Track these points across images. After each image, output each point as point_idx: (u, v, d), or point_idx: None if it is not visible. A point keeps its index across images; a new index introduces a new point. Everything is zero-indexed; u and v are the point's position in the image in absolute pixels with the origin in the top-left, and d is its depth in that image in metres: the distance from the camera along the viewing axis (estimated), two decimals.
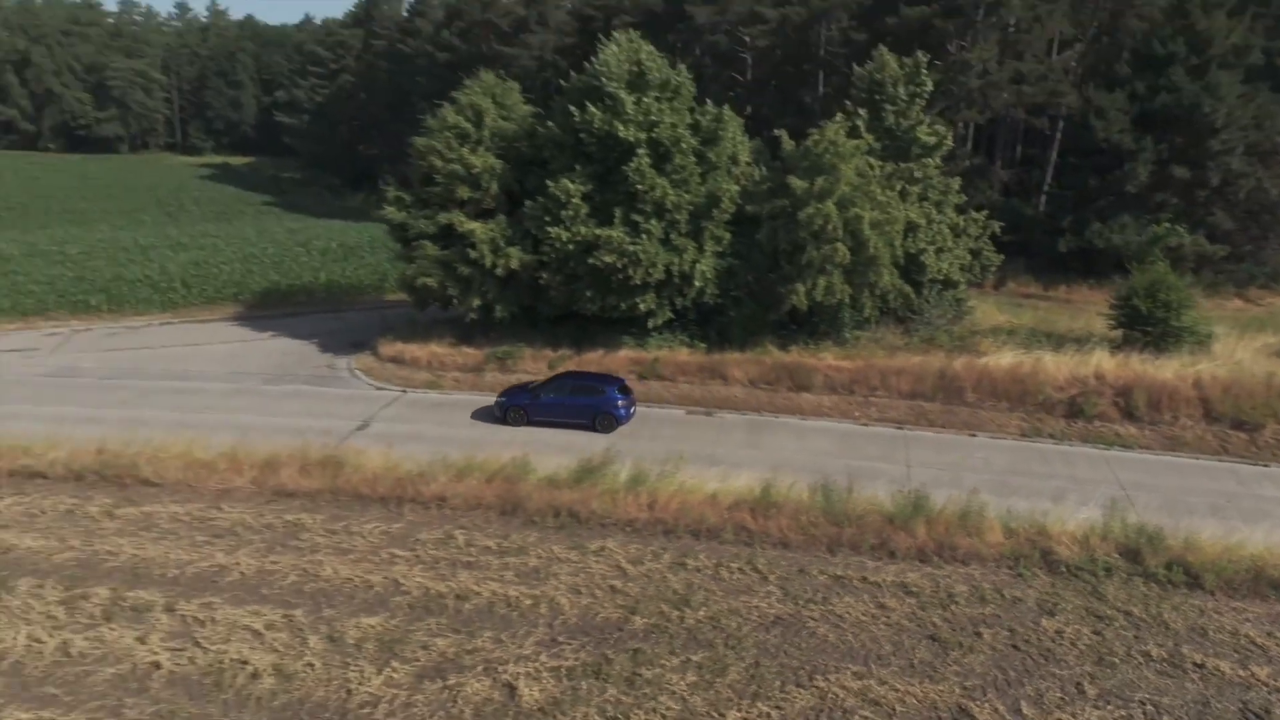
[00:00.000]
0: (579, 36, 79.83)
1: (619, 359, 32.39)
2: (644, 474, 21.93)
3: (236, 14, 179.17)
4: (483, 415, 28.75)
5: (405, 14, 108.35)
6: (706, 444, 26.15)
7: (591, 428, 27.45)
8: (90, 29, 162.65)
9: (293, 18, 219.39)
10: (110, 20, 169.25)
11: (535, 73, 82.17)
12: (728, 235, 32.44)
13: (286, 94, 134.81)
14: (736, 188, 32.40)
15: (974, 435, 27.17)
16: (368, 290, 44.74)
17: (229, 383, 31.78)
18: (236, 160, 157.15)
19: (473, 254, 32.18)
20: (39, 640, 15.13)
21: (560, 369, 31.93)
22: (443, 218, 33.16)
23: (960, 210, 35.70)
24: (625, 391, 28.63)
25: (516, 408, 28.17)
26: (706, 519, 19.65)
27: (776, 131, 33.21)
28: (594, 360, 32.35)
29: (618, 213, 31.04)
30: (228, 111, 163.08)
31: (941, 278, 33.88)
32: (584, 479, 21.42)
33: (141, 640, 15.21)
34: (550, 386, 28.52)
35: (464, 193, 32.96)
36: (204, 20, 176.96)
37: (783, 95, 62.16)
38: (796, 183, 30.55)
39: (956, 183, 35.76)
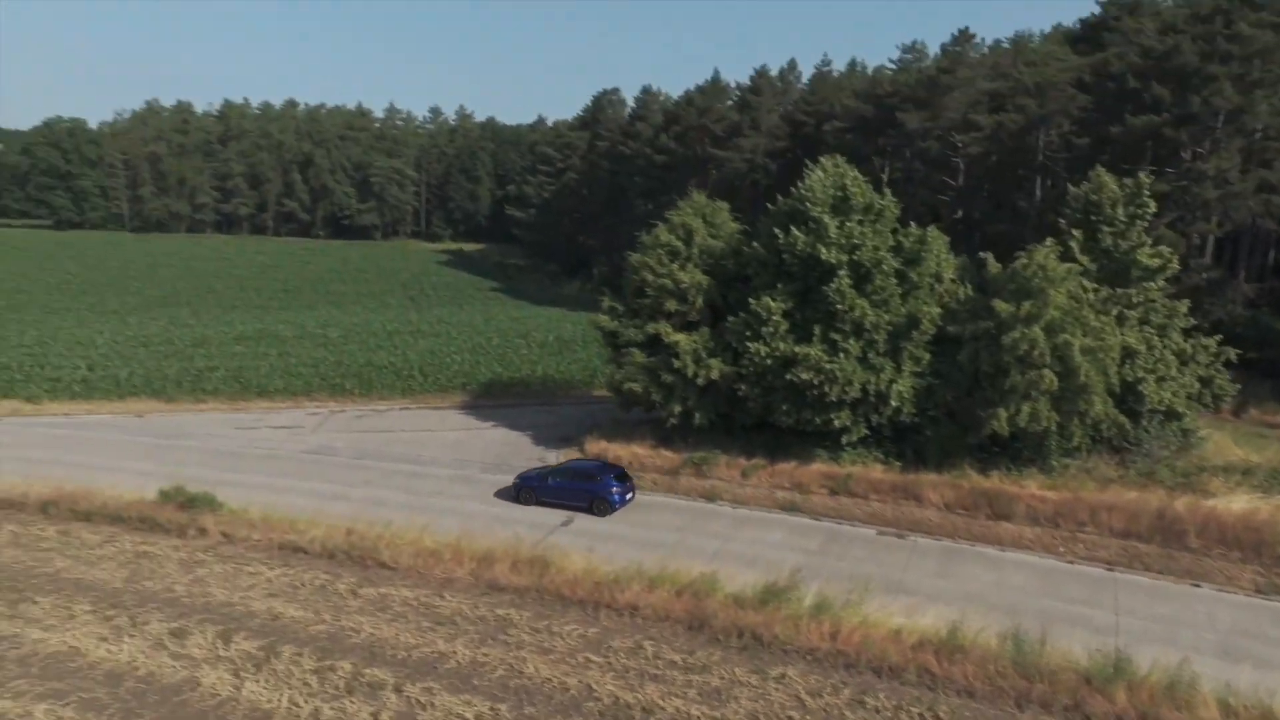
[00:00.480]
0: (790, 140, 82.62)
1: (812, 471, 32.94)
2: (829, 601, 22.30)
3: (480, 116, 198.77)
4: (503, 494, 32.11)
5: (627, 118, 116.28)
6: (895, 568, 26.01)
7: (589, 510, 30.20)
8: (360, 133, 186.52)
9: (528, 118, 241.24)
10: (377, 125, 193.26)
11: (745, 174, 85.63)
12: (927, 355, 32.45)
13: (517, 189, 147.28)
14: (938, 309, 32.48)
15: (1197, 586, 25.12)
16: (578, 385, 48.08)
17: (454, 469, 35.38)
18: (470, 247, 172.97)
19: (676, 363, 34.24)
20: (297, 705, 17.89)
21: (752, 477, 33.02)
22: (650, 328, 35.63)
23: (1189, 334, 33.57)
24: (623, 479, 31.25)
25: (528, 488, 31.29)
26: (889, 656, 19.70)
27: (982, 254, 33.04)
28: (787, 471, 33.11)
29: (817, 330, 32.04)
30: (466, 203, 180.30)
31: (1163, 408, 31.83)
32: (769, 600, 22.12)
33: (374, 716, 17.58)
34: (558, 472, 31.62)
35: (671, 305, 35.32)
36: (453, 123, 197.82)
37: (996, 200, 60.99)
38: (1002, 306, 30.27)
39: (1184, 305, 33.75)
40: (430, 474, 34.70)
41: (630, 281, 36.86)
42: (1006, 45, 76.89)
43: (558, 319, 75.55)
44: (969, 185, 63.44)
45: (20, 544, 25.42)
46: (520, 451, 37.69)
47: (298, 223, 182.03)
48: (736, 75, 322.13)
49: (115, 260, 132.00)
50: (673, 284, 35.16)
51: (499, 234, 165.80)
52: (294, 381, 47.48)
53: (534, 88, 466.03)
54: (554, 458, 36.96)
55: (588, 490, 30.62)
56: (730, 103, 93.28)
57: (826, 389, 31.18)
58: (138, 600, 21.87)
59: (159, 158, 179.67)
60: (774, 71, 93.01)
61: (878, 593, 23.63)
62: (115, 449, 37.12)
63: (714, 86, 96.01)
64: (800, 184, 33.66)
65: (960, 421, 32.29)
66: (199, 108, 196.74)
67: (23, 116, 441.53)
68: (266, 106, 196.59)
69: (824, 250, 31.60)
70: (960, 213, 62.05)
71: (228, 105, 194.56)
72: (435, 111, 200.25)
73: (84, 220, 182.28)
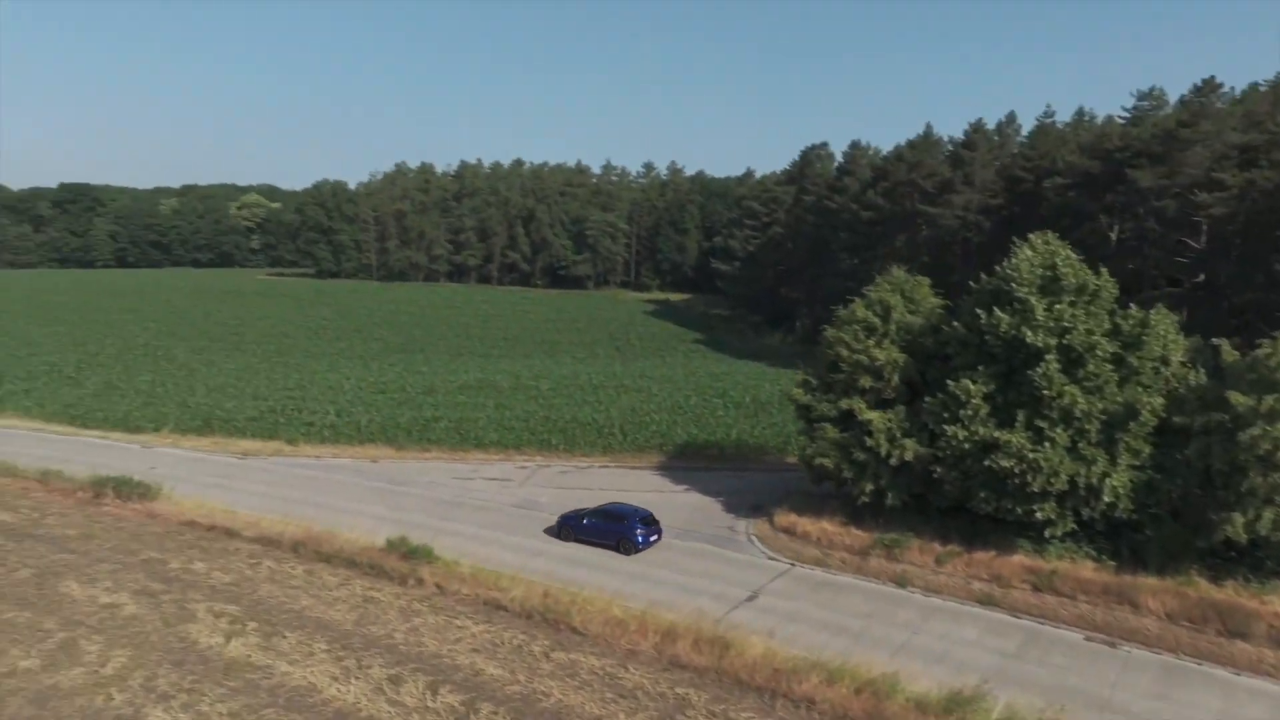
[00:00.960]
0: (1005, 197, 78.98)
1: (1013, 563, 31.26)
2: (1022, 716, 21.18)
3: (690, 170, 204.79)
4: (551, 531, 36.15)
5: (834, 173, 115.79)
6: (1103, 683, 24.13)
7: (616, 549, 33.68)
8: (579, 189, 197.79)
9: (737, 170, 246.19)
10: (594, 180, 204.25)
11: (957, 231, 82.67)
12: (1148, 447, 30.00)
13: (723, 241, 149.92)
14: (1160, 400, 30.02)
15: None
16: (771, 450, 48.32)
17: None
18: (676, 297, 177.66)
19: (869, 441, 33.85)
20: None
21: (947, 565, 31.84)
22: (844, 403, 35.47)
23: None
24: (648, 523, 34.39)
25: (567, 526, 35.23)
26: None
27: (1215, 341, 30.26)
28: (984, 560, 31.62)
29: (1020, 416, 30.61)
30: (673, 254, 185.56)
31: None
32: (955, 709, 21.34)
33: None
34: (594, 513, 35.06)
35: (866, 382, 35.01)
36: (664, 177, 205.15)
37: (1247, 265, 54.97)
38: (1239, 398, 27.61)
39: None
40: None
41: (824, 356, 36.95)
42: (1264, 89, 69.53)
43: (756, 376, 76.11)
44: (1213, 247, 57.71)
45: (275, 580, 29.44)
46: (711, 519, 38.51)
47: (519, 272, 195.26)
48: (950, 129, 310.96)
49: (363, 307, 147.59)
50: (868, 360, 34.89)
51: (704, 284, 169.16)
52: (507, 435, 51.15)
53: (743, 141, 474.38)
54: (743, 526, 37.49)
55: (616, 531, 33.96)
56: (942, 157, 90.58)
57: (1029, 478, 29.64)
58: (364, 644, 24.71)
59: (404, 214, 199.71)
60: (991, 124, 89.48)
61: (1079, 710, 22.10)
62: (353, 492, 41.84)
63: (925, 140, 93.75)
64: (1006, 262, 32.49)
65: (1187, 522, 29.50)
66: (439, 168, 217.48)
67: (298, 179, 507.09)
68: (496, 166, 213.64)
69: (1030, 333, 30.25)
70: (1202, 277, 56.56)
71: (464, 166, 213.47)
72: (648, 167, 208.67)
73: (340, 270, 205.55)
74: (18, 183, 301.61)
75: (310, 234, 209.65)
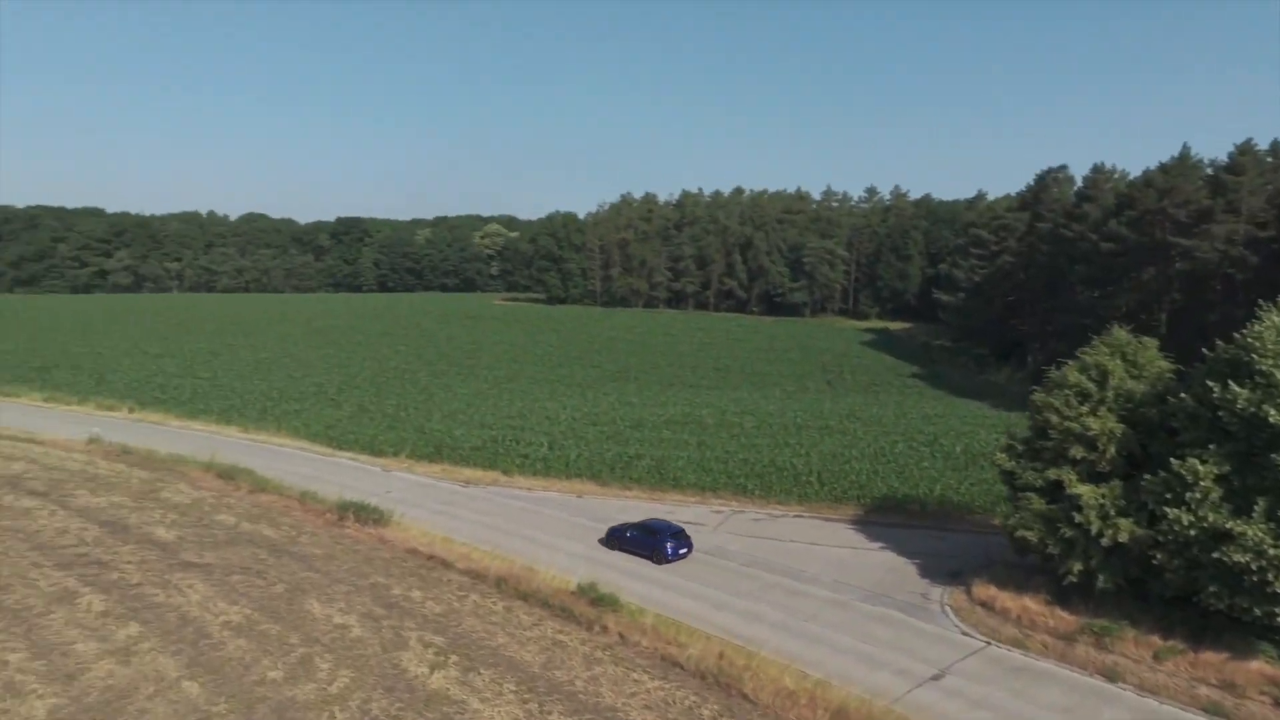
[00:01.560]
0: (1277, 228, 69.66)
1: (1249, 670, 27.73)
2: None
3: (916, 193, 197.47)
4: (604, 541, 41.78)
5: (1073, 199, 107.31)
6: None
7: (650, 559, 39.18)
8: (797, 215, 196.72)
9: (966, 192, 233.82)
10: (814, 207, 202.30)
11: (1216, 266, 74.00)
12: None
13: (948, 269, 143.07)
14: None
15: None
16: (977, 510, 45.73)
17: (832, 592, 36.24)
18: (896, 326, 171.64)
19: (1078, 517, 31.40)
20: None
21: (1167, 662, 28.84)
22: (1051, 473, 33.16)
23: None
24: (678, 537, 39.69)
25: (615, 537, 40.91)
26: None
27: None
28: (1214, 663, 28.31)
29: (1260, 504, 27.20)
30: (894, 281, 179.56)
31: None
32: None
33: None
34: (636, 527, 40.72)
35: (1077, 452, 32.52)
36: (887, 201, 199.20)
37: None
38: None
39: None
40: (808, 594, 35.99)
41: (1033, 421, 34.72)
42: None
43: (973, 420, 72.03)
44: None
45: (478, 614, 32.17)
46: (904, 582, 37.25)
47: (735, 299, 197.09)
48: (1210, 151, 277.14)
49: (585, 334, 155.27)
50: (1080, 429, 32.39)
51: (926, 313, 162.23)
52: (704, 476, 52.17)
53: (973, 162, 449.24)
54: (937, 595, 35.97)
55: (650, 543, 39.55)
56: (1201, 183, 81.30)
57: (1270, 577, 26.24)
58: (547, 688, 26.48)
59: (627, 242, 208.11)
60: (1262, 145, 79.16)
61: None
62: (556, 527, 44.60)
63: (1181, 164, 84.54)
64: (1244, 330, 29.04)
65: None
66: (662, 198, 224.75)
67: (535, 209, 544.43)
68: (717, 194, 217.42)
69: (1274, 412, 26.84)
70: None
71: (685, 195, 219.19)
72: (871, 191, 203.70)
73: (567, 295, 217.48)
74: (304, 217, 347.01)
75: (542, 262, 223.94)
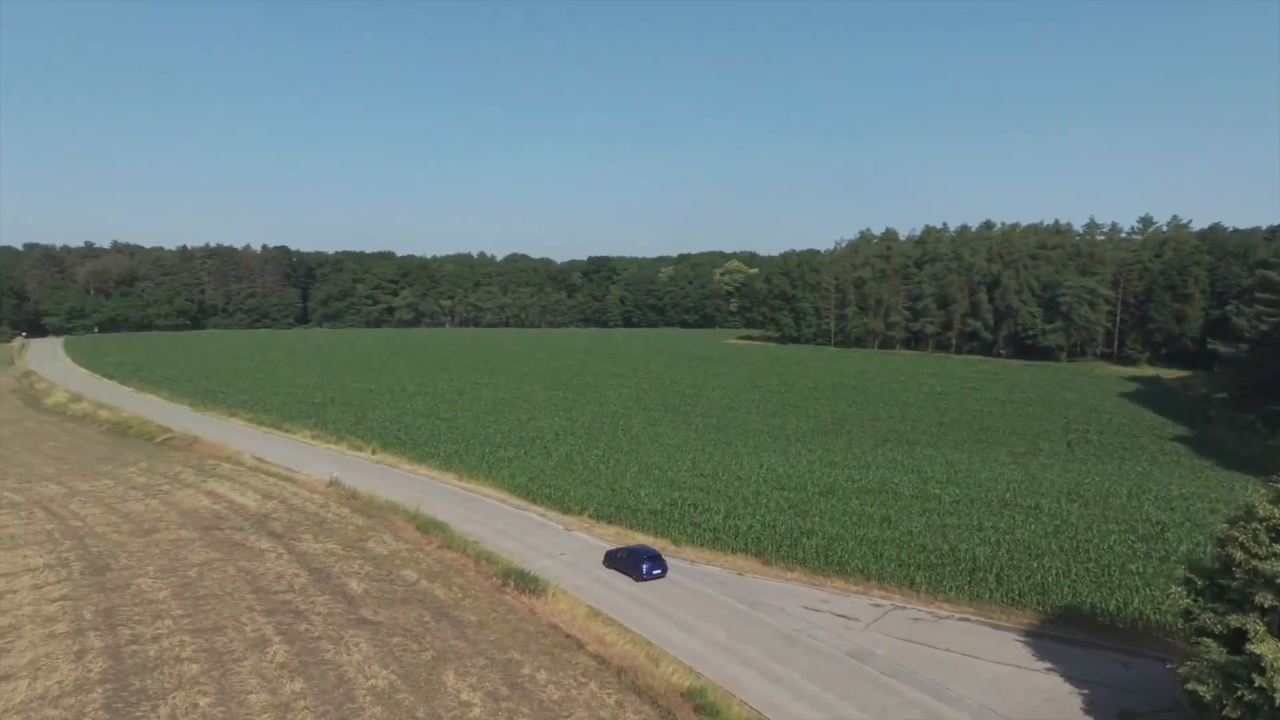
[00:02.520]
0: None
1: None
2: None
3: (1200, 222, 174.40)
4: (605, 562, 50.62)
5: None
6: None
7: (630, 576, 48.13)
8: (1053, 251, 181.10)
9: (1268, 219, 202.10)
10: (1074, 241, 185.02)
11: None
12: None
13: (1234, 311, 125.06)
14: None
15: None
16: (1180, 635, 39.69)
17: None
18: (1169, 374, 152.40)
19: (1259, 680, 26.60)
20: None
21: None
22: (1233, 620, 28.39)
23: None
24: (654, 560, 48.40)
25: (610, 560, 50.03)
26: None
27: None
28: None
29: None
30: (1169, 323, 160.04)
31: None
32: None
33: None
34: (625, 550, 49.99)
35: (1265, 599, 27.61)
36: (1164, 231, 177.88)
37: None
38: None
39: None
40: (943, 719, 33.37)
41: (1219, 554, 29.93)
42: None
43: (1231, 503, 62.18)
44: None
45: (590, 706, 33.17)
46: (1061, 716, 33.34)
47: (979, 341, 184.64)
48: None
49: (809, 378, 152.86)
50: (1270, 573, 27.49)
51: (1206, 360, 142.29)
52: (873, 563, 49.58)
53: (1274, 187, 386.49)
54: None
55: (632, 564, 48.44)
56: None
57: None
58: None
59: (863, 281, 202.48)
60: None
61: None
62: (704, 608, 44.65)
63: None
64: None
65: None
66: (902, 234, 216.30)
67: (775, 246, 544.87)
68: (962, 230, 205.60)
69: None
70: None
71: (927, 231, 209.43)
72: (1145, 222, 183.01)
73: (800, 335, 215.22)
74: (561, 257, 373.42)
75: (775, 300, 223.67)
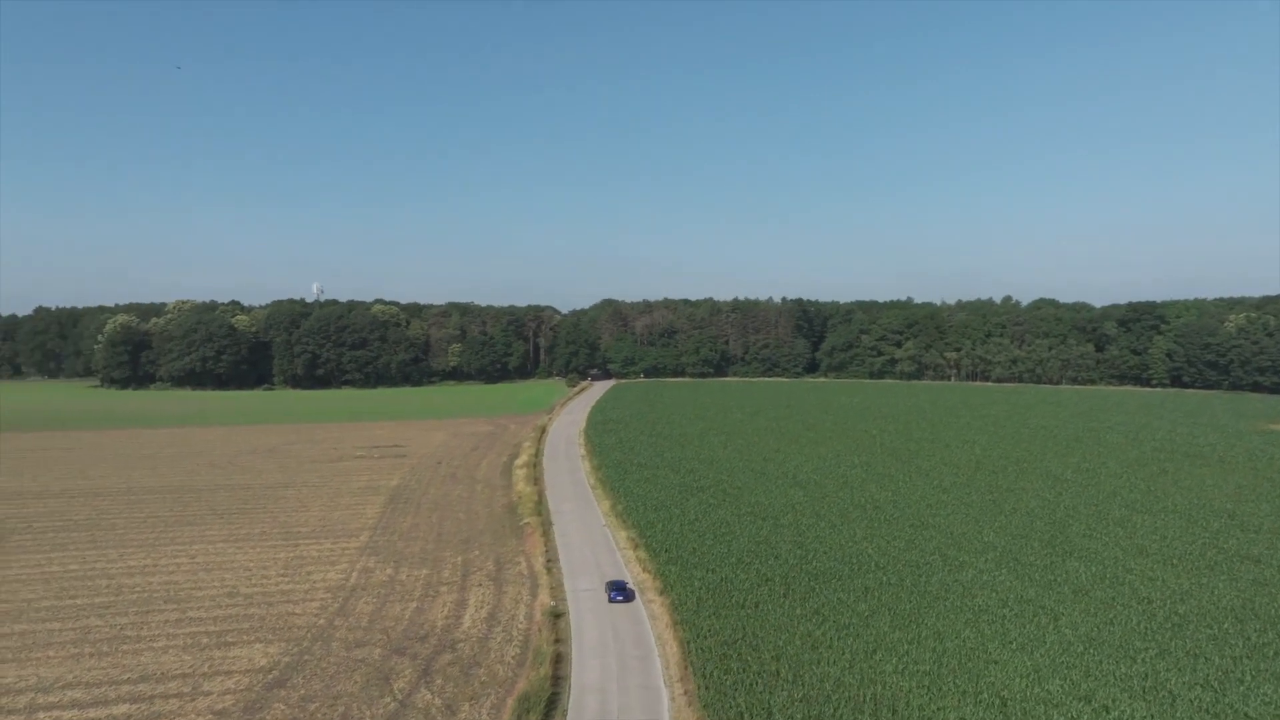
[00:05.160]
0: None
1: None
2: None
3: None
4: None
5: None
6: None
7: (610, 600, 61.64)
8: None
9: None
10: None
11: None
12: None
13: None
14: None
15: None
16: None
17: None
18: None
19: None
20: None
21: None
22: None
23: None
24: (620, 590, 61.84)
25: (608, 588, 62.81)
26: None
27: None
28: None
29: None
30: None
31: None
32: None
33: None
34: (612, 586, 62.59)
35: None
36: None
37: None
38: None
39: None
40: None
41: None
42: None
43: None
44: None
45: None
46: None
47: None
48: None
49: None
50: None
51: None
52: None
53: None
54: None
55: (609, 593, 61.83)
56: None
57: None
58: None
59: None
60: None
61: None
62: None
63: None
64: None
65: None
66: None
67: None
68: None
69: None
70: None
71: None
72: None
73: None
74: (1100, 300, 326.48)
75: None
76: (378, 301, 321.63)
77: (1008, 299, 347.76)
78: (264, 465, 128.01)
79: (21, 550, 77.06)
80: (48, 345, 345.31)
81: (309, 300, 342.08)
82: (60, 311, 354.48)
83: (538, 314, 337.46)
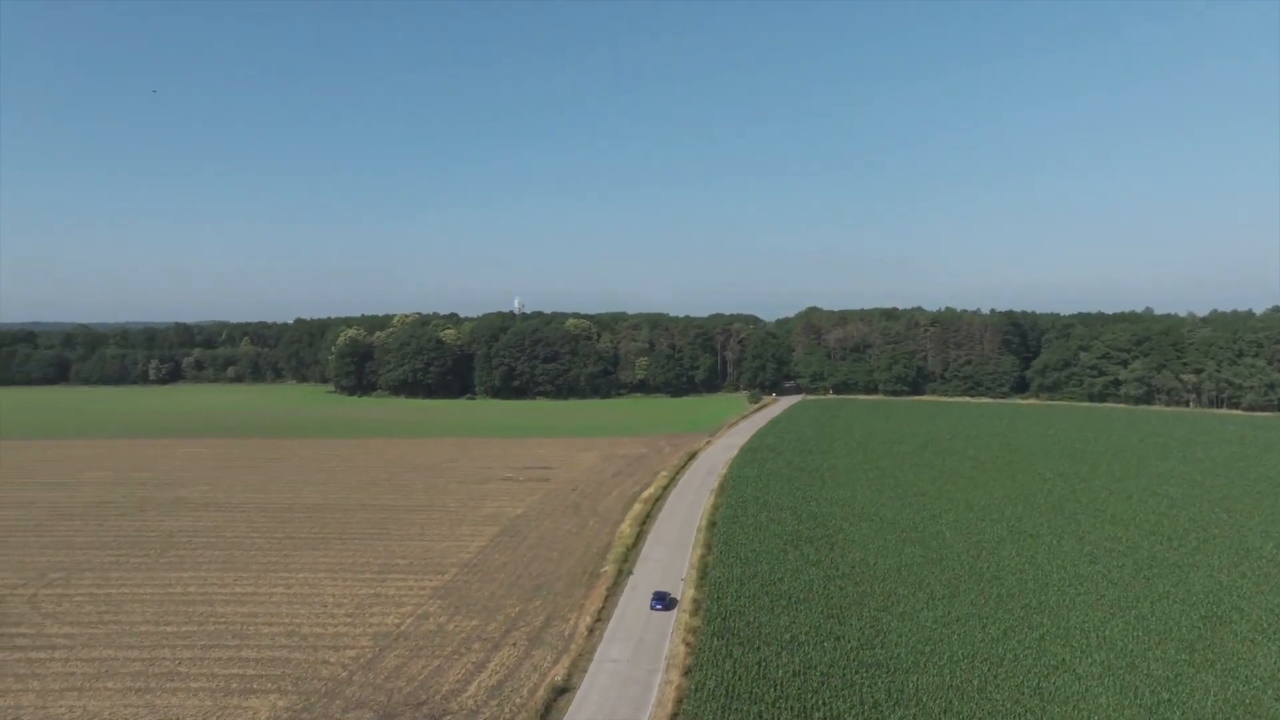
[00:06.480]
0: None
1: None
2: None
3: None
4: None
5: None
6: None
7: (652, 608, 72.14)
8: None
9: None
10: None
11: None
12: None
13: None
14: None
15: None
16: None
17: None
18: None
19: None
20: None
21: None
22: None
23: None
24: (661, 599, 72.88)
25: (655, 597, 73.49)
26: None
27: None
28: None
29: None
30: None
31: None
32: None
33: None
34: (655, 598, 73.15)
35: None
36: None
37: None
38: None
39: None
40: None
41: None
42: None
43: None
44: None
45: None
46: None
47: None
48: None
49: None
50: None
51: None
52: None
53: None
54: None
55: (656, 602, 72.72)
56: None
57: None
58: None
59: None
60: None
61: None
62: None
63: None
64: None
65: None
66: None
67: None
68: None
69: None
70: None
71: None
72: None
73: None
74: None
75: None
76: (572, 315, 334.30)
77: (1276, 310, 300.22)
78: (416, 484, 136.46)
79: (167, 566, 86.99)
80: (300, 353, 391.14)
81: (514, 314, 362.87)
82: (312, 322, 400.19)
83: (726, 326, 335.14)
